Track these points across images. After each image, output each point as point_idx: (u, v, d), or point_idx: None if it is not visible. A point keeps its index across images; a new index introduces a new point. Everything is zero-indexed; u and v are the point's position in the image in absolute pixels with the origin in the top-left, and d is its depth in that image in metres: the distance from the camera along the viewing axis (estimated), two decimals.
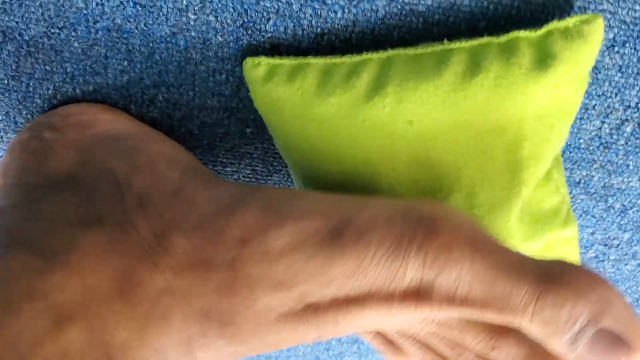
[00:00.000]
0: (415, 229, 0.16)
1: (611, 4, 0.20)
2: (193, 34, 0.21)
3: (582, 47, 0.18)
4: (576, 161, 0.24)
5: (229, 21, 0.21)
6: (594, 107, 0.22)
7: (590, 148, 0.24)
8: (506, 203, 0.19)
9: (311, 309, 0.17)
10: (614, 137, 0.23)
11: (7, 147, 0.22)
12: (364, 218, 0.17)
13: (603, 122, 0.23)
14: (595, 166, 0.24)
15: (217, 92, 0.23)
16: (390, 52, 0.19)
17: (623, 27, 0.20)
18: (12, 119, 0.24)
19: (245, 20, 0.21)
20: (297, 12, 0.20)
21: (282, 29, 0.21)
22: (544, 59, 0.18)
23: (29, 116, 0.24)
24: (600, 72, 0.21)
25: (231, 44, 0.21)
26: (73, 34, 0.21)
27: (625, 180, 0.25)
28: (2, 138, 0.25)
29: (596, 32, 0.18)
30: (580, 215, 0.26)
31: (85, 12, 0.21)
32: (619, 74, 0.21)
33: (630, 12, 0.20)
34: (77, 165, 0.20)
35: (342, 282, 0.16)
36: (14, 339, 0.15)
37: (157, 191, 0.18)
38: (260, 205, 0.18)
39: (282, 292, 0.17)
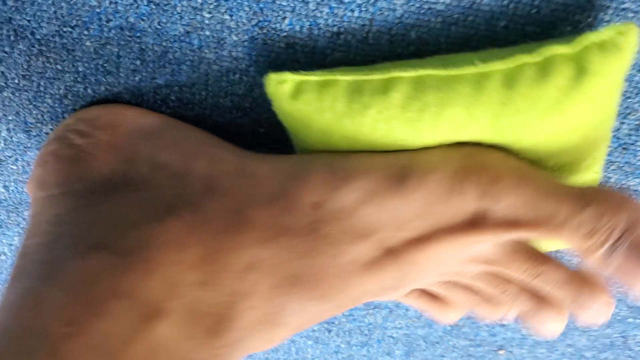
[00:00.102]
0: (468, 165, 0.18)
1: (633, 2, 0.19)
2: (207, 33, 0.21)
3: (618, 58, 0.17)
4: None
5: (244, 20, 0.20)
6: None
7: (609, 149, 0.23)
8: None
9: (389, 254, 0.18)
10: (633, 138, 0.23)
11: (37, 161, 0.21)
12: (421, 163, 0.18)
13: (622, 123, 0.22)
14: (612, 167, 0.24)
15: (231, 91, 0.22)
16: (421, 72, 0.18)
17: None
18: (23, 119, 0.24)
19: (261, 19, 0.20)
20: (313, 10, 0.20)
21: (297, 27, 0.20)
22: (580, 76, 0.17)
23: (39, 116, 0.24)
24: None
25: (246, 43, 0.21)
26: (85, 32, 0.21)
27: None
28: (12, 138, 0.25)
29: (632, 42, 0.17)
30: None
31: (98, 10, 0.20)
32: (639, 74, 0.21)
33: None
34: (122, 165, 0.20)
35: (413, 224, 0.18)
36: (100, 341, 0.15)
37: (219, 173, 0.19)
38: (323, 168, 0.19)
39: (362, 243, 0.18)
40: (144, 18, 0.21)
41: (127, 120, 0.21)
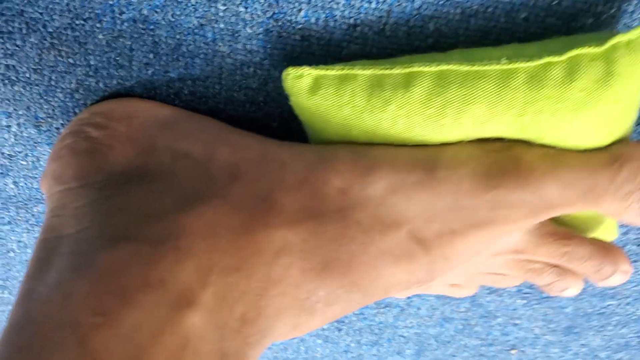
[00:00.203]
0: (499, 160, 0.18)
1: None
2: (222, 25, 0.20)
3: None
4: None
5: (259, 12, 0.20)
6: None
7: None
8: None
9: (420, 246, 0.18)
10: None
11: (52, 155, 0.21)
12: (448, 156, 0.18)
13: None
14: None
15: (244, 85, 0.22)
16: (443, 67, 0.18)
17: None
18: (33, 114, 0.24)
19: (276, 11, 0.20)
20: (329, 2, 0.20)
21: (313, 20, 0.20)
22: (606, 77, 0.17)
23: (50, 111, 0.23)
24: None
25: (260, 35, 0.21)
26: (98, 25, 0.21)
27: None
28: (22, 133, 0.24)
29: None
30: None
31: (111, 2, 0.20)
32: None
33: None
34: (141, 156, 0.20)
35: (444, 216, 0.18)
36: (131, 332, 0.15)
37: (243, 159, 0.19)
38: (348, 155, 0.18)
39: (392, 233, 0.18)
40: (158, 10, 0.20)
41: (142, 112, 0.21)
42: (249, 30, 0.21)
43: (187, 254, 0.16)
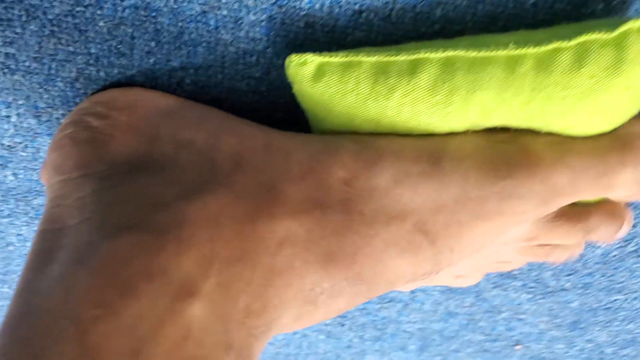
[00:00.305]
0: (506, 152, 0.18)
1: None
2: (225, 12, 0.20)
3: None
4: None
5: None
6: None
7: None
8: None
9: (426, 238, 0.18)
10: None
11: (52, 145, 0.21)
12: (454, 147, 0.18)
13: None
14: None
15: (247, 74, 0.22)
16: (450, 53, 0.18)
17: None
18: (33, 103, 0.23)
19: None
20: None
21: (317, 6, 0.20)
22: (617, 64, 0.17)
23: (50, 100, 0.23)
24: None
25: (264, 23, 0.20)
26: (99, 12, 0.20)
27: None
28: (21, 124, 0.24)
29: None
30: None
31: None
32: None
33: None
34: (143, 145, 0.19)
35: (451, 208, 0.17)
36: (132, 322, 0.15)
37: (247, 148, 0.18)
38: (352, 145, 0.18)
39: (397, 225, 0.18)
40: None
41: (144, 102, 0.21)
42: (252, 17, 0.20)
43: (190, 244, 0.16)
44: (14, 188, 0.27)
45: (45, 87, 0.23)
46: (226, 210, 0.17)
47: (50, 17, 0.21)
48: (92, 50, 0.21)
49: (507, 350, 0.35)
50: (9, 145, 0.25)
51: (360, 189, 0.17)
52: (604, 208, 0.19)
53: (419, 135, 0.19)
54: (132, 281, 0.15)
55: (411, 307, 0.32)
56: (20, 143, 0.25)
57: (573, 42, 0.17)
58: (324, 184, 0.18)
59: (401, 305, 0.32)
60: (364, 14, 0.20)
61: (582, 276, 0.29)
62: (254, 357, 0.17)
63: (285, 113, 0.23)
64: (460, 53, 0.18)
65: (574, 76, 0.17)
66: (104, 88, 0.22)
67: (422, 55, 0.18)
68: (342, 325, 0.34)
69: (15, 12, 0.21)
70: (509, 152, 0.18)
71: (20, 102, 0.23)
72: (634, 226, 0.26)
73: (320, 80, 0.18)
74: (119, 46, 0.21)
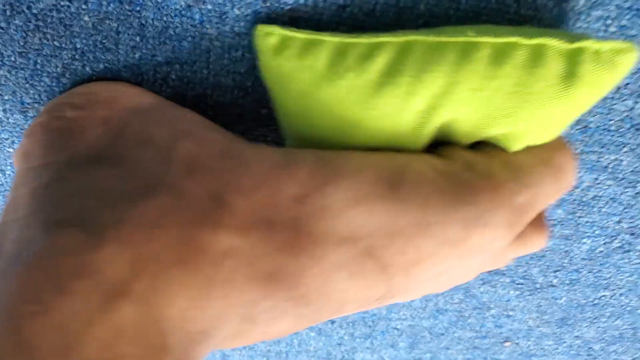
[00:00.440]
0: (466, 177, 0.17)
1: None
2: (209, 6, 0.20)
3: (608, 76, 0.17)
4: (605, 144, 0.23)
5: None
6: (626, 85, 0.21)
7: (621, 130, 0.23)
8: None
9: (378, 262, 0.17)
10: None
11: (26, 132, 0.21)
12: (415, 171, 0.17)
13: (636, 102, 0.22)
14: (624, 150, 0.23)
15: (232, 69, 0.22)
16: (410, 37, 0.18)
17: None
18: (19, 99, 0.23)
19: None
20: None
21: (302, 0, 0.20)
22: (568, 77, 0.17)
23: (36, 95, 0.23)
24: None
25: (248, 17, 0.20)
26: (84, 6, 0.20)
27: None
28: (8, 119, 0.24)
29: (627, 64, 0.17)
30: (607, 202, 0.25)
31: None
32: None
33: None
34: (111, 140, 0.19)
35: (409, 233, 0.17)
36: (63, 321, 0.14)
37: (204, 154, 0.18)
38: (311, 161, 0.17)
39: (347, 247, 0.17)
40: None
41: (122, 98, 0.21)
42: (236, 12, 0.20)
43: (125, 244, 0.16)
44: (1, 185, 0.27)
45: (31, 82, 0.23)
46: (170, 214, 0.17)
47: (34, 11, 0.21)
48: (78, 45, 0.21)
49: (496, 347, 0.35)
50: None
51: (312, 208, 0.17)
52: (551, 169, 0.19)
53: (381, 155, 0.18)
54: (66, 278, 0.15)
55: (400, 303, 0.32)
56: (6, 139, 0.25)
57: (531, 42, 0.17)
58: (275, 199, 0.17)
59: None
60: (348, 9, 0.20)
61: (569, 272, 0.29)
62: None
63: (271, 109, 0.23)
64: (419, 37, 0.17)
65: (526, 74, 0.17)
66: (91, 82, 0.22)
67: (382, 38, 0.18)
68: (333, 322, 0.34)
69: (0, 6, 0.21)
70: (470, 178, 0.17)
71: (6, 97, 0.23)
72: (618, 222, 0.26)
73: (282, 53, 0.18)
74: (104, 41, 0.21)
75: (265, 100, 0.23)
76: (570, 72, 0.17)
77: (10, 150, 0.25)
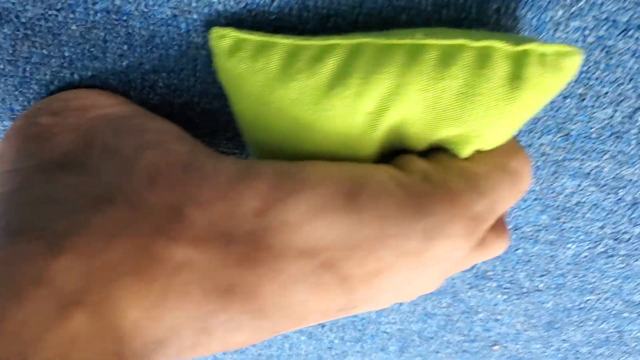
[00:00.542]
0: (424, 188, 0.17)
1: None
2: (195, 16, 0.20)
3: (554, 79, 0.17)
4: (586, 151, 0.24)
5: (232, 3, 0.20)
6: (606, 94, 0.22)
7: (602, 138, 0.23)
8: None
9: (337, 275, 0.17)
10: (626, 126, 0.23)
11: (4, 135, 0.21)
12: (375, 182, 0.17)
13: (615, 111, 0.22)
14: (606, 157, 0.24)
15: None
16: (360, 39, 0.18)
17: (638, 9, 0.19)
18: (8, 106, 0.23)
19: (249, 1, 0.20)
20: None
21: (286, 10, 0.20)
22: (514, 79, 0.17)
23: (25, 103, 0.23)
24: (613, 58, 0.21)
25: (234, 27, 0.21)
26: (71, 16, 0.21)
27: (637, 171, 0.24)
28: None
29: (572, 67, 0.17)
30: (590, 208, 0.26)
31: None
32: (632, 60, 0.21)
33: None
34: (79, 147, 0.19)
35: (368, 245, 0.17)
36: (18, 328, 0.15)
37: (167, 165, 0.18)
38: (272, 173, 0.17)
39: (306, 260, 0.17)
40: (130, 1, 0.20)
41: (101, 107, 0.21)
42: (222, 21, 0.21)
43: (83, 254, 0.16)
44: None
45: (20, 89, 0.23)
46: (127, 225, 0.17)
47: (23, 20, 0.21)
48: (66, 53, 0.22)
49: (485, 350, 0.35)
50: None
51: (271, 222, 0.17)
52: (506, 175, 0.19)
53: (341, 166, 0.18)
54: (21, 287, 0.15)
55: (390, 307, 0.33)
56: None
57: (478, 44, 0.17)
58: (234, 212, 0.17)
59: None
60: (332, 19, 0.20)
61: (555, 277, 0.30)
62: None
63: None
64: (369, 40, 0.18)
65: (473, 76, 0.17)
66: None
67: (333, 41, 0.18)
68: (323, 326, 0.34)
69: None
70: (428, 189, 0.18)
71: None
72: (601, 228, 0.27)
73: (235, 55, 0.19)
74: (92, 49, 0.22)
75: None
76: (516, 75, 0.17)
77: None
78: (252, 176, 0.17)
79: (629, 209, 0.26)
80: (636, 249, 0.27)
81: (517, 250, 0.28)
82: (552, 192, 0.25)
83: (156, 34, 0.21)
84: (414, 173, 0.18)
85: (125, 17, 0.21)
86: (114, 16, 0.21)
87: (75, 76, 0.22)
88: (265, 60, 0.18)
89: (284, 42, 0.18)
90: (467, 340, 0.35)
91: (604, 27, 0.20)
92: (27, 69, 0.22)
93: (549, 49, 0.17)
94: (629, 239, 0.27)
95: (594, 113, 0.22)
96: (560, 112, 0.23)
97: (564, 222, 0.27)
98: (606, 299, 0.31)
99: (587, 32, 0.20)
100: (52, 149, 0.19)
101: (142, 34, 0.21)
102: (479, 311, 0.32)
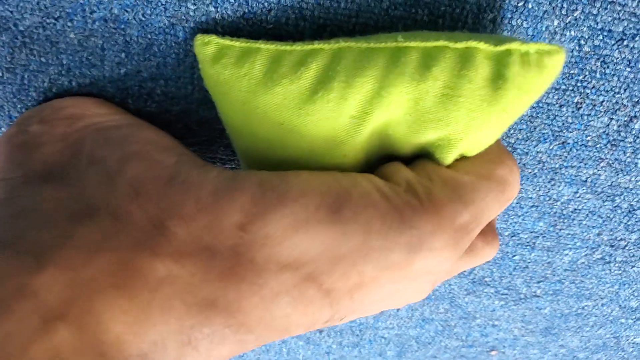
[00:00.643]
0: (408, 200, 0.17)
1: None
2: (192, 25, 0.21)
3: (537, 78, 0.17)
4: (583, 159, 0.24)
5: (229, 12, 0.20)
6: (602, 102, 0.22)
7: (598, 146, 0.23)
8: None
9: (321, 288, 0.17)
10: (622, 134, 0.23)
11: None
12: (359, 194, 0.17)
13: (611, 119, 0.22)
14: (602, 164, 0.24)
15: None
16: (342, 44, 0.18)
17: (633, 19, 0.20)
18: (7, 113, 0.23)
19: (246, 11, 0.20)
20: (299, 2, 0.20)
21: (283, 20, 0.20)
22: (496, 80, 0.17)
23: (23, 110, 0.23)
24: (608, 67, 0.21)
25: (230, 36, 0.21)
26: (69, 24, 0.21)
27: (632, 179, 0.24)
28: None
29: (555, 66, 0.17)
30: (587, 215, 0.26)
31: (81, 1, 0.20)
32: (628, 69, 0.21)
33: None
34: (65, 158, 0.19)
35: (351, 258, 0.17)
36: (1, 341, 0.15)
37: (151, 177, 0.18)
38: (255, 186, 0.17)
39: (289, 274, 0.17)
40: (128, 9, 0.20)
41: (91, 116, 0.21)
42: (219, 30, 0.21)
43: (66, 267, 0.16)
44: None
45: (18, 97, 0.23)
46: (110, 239, 0.17)
47: (21, 28, 0.21)
48: (64, 61, 0.22)
49: (483, 355, 0.35)
50: None
51: (253, 236, 0.17)
52: (492, 182, 0.19)
53: (326, 176, 0.18)
54: (4, 300, 0.15)
55: (387, 312, 0.33)
56: None
57: (459, 45, 0.17)
58: (216, 226, 0.17)
59: None
60: (329, 29, 0.20)
61: (552, 283, 0.30)
62: None
63: None
64: (351, 44, 0.18)
65: (455, 77, 0.17)
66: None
67: (315, 46, 0.18)
68: (321, 331, 0.34)
69: None
70: (412, 201, 0.17)
71: None
72: (598, 234, 0.27)
73: (219, 62, 0.19)
74: (90, 57, 0.22)
75: None
76: (499, 75, 0.17)
77: None
78: (234, 188, 0.17)
79: (625, 216, 0.26)
80: (633, 256, 0.27)
81: (514, 256, 0.29)
82: (549, 199, 0.25)
83: (154, 42, 0.21)
84: (399, 184, 0.18)
85: (123, 26, 0.21)
86: (111, 24, 0.21)
87: (73, 84, 0.22)
88: (249, 66, 0.18)
89: (267, 47, 0.18)
90: (464, 345, 0.35)
91: (600, 37, 0.20)
92: (25, 76, 0.22)
93: (532, 47, 0.17)
94: (626, 246, 0.27)
95: (590, 121, 0.23)
96: (557, 121, 0.23)
97: (561, 229, 0.27)
98: (603, 305, 0.31)
99: (582, 42, 0.20)
100: (38, 160, 0.19)
101: (139, 42, 0.21)
102: (476, 317, 0.32)
